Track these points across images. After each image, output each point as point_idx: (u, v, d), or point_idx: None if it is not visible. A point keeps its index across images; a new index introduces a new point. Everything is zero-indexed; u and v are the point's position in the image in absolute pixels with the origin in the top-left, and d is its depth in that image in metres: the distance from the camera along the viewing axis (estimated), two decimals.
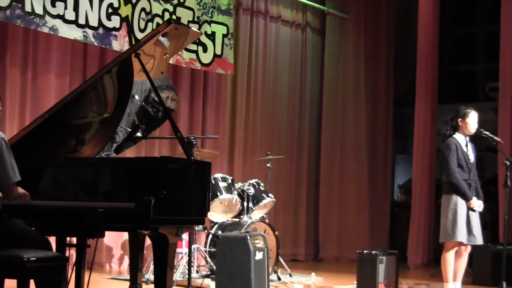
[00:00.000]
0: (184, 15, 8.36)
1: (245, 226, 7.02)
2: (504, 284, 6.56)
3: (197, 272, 7.17)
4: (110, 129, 4.80)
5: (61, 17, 7.16)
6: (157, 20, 8.01)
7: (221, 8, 8.84)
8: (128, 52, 4.69)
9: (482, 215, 6.34)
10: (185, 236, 6.93)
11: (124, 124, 4.91)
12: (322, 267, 9.51)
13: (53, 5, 7.09)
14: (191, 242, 6.17)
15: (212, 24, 8.73)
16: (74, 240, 4.47)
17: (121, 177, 4.26)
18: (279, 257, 7.36)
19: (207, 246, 7.16)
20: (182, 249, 7.12)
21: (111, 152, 4.90)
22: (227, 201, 7.30)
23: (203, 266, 7.41)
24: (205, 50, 8.65)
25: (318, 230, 10.48)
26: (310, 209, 10.42)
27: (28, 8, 6.88)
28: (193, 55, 8.53)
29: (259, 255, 5.76)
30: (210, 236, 7.23)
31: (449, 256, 6.20)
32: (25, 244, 3.90)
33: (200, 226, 7.13)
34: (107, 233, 4.67)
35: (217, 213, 7.36)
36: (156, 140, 8.15)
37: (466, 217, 6.15)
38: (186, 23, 8.12)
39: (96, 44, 7.57)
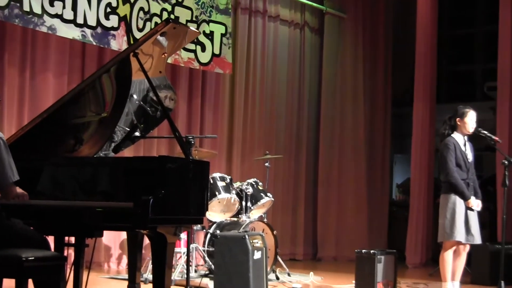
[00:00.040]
0: (183, 15, 8.36)
1: (243, 226, 7.02)
2: (503, 283, 6.56)
3: (195, 271, 7.17)
4: (108, 129, 4.79)
5: (59, 16, 7.16)
6: (156, 19, 8.01)
7: (219, 8, 8.84)
8: (126, 52, 4.69)
9: (480, 214, 6.35)
10: (183, 235, 6.92)
11: (122, 123, 4.90)
12: (321, 266, 9.51)
13: (52, 5, 7.09)
14: (189, 241, 6.17)
15: (211, 24, 8.73)
16: (72, 239, 4.46)
17: (119, 177, 4.26)
18: (278, 257, 7.36)
19: (206, 246, 7.16)
20: (181, 249, 7.12)
21: (109, 152, 4.90)
22: (226, 201, 7.30)
23: (202, 265, 7.41)
24: (203, 49, 8.65)
25: (317, 229, 10.48)
26: (308, 209, 10.42)
27: (26, 7, 6.88)
28: (192, 55, 8.53)
29: (257, 255, 5.75)
30: (209, 235, 7.23)
31: (448, 256, 6.21)
32: (23, 243, 3.90)
33: (199, 225, 7.12)
34: (105, 232, 4.66)
35: (216, 213, 7.36)
36: (155, 140, 8.15)
37: (464, 217, 6.15)
38: (184, 22, 8.12)
39: (94, 43, 7.57)
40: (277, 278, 7.30)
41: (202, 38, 8.58)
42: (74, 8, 7.29)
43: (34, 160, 4.45)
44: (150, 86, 4.63)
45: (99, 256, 7.84)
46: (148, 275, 6.59)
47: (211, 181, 7.14)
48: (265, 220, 7.62)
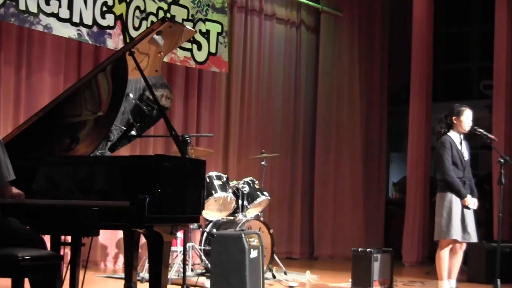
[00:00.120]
0: (179, 13, 8.36)
1: (240, 224, 7.02)
2: (499, 281, 6.57)
3: (192, 270, 7.17)
4: (104, 128, 4.79)
5: (55, 15, 7.16)
6: (152, 18, 8.00)
7: (215, 6, 8.83)
8: (122, 50, 4.68)
9: (476, 212, 6.36)
10: (180, 234, 6.92)
11: (118, 122, 4.89)
12: (317, 265, 9.52)
13: (47, 4, 7.08)
14: (186, 240, 6.15)
15: (207, 22, 8.72)
16: (68, 238, 4.46)
17: (115, 176, 4.25)
18: (274, 255, 7.35)
19: (202, 244, 7.16)
20: (177, 248, 7.11)
21: (105, 151, 4.89)
22: (222, 199, 7.30)
23: (198, 264, 7.41)
24: (199, 48, 8.64)
25: (313, 228, 10.49)
26: (305, 207, 10.43)
27: (22, 6, 6.87)
28: (188, 53, 8.53)
29: (254, 253, 5.75)
30: (205, 234, 7.22)
31: (444, 254, 6.21)
32: (19, 243, 3.88)
33: (195, 224, 7.12)
34: (101, 231, 4.66)
35: (212, 211, 7.36)
36: (151, 139, 8.14)
37: (460, 215, 6.16)
38: (180, 21, 8.11)
39: (90, 42, 7.56)
40: (274, 276, 7.30)
41: (198, 36, 8.58)
42: (70, 7, 7.28)
43: (30, 159, 4.43)
44: (146, 85, 4.62)
45: (96, 255, 7.84)
46: (145, 274, 6.59)
47: (208, 180, 7.14)
48: (262, 218, 7.62)
